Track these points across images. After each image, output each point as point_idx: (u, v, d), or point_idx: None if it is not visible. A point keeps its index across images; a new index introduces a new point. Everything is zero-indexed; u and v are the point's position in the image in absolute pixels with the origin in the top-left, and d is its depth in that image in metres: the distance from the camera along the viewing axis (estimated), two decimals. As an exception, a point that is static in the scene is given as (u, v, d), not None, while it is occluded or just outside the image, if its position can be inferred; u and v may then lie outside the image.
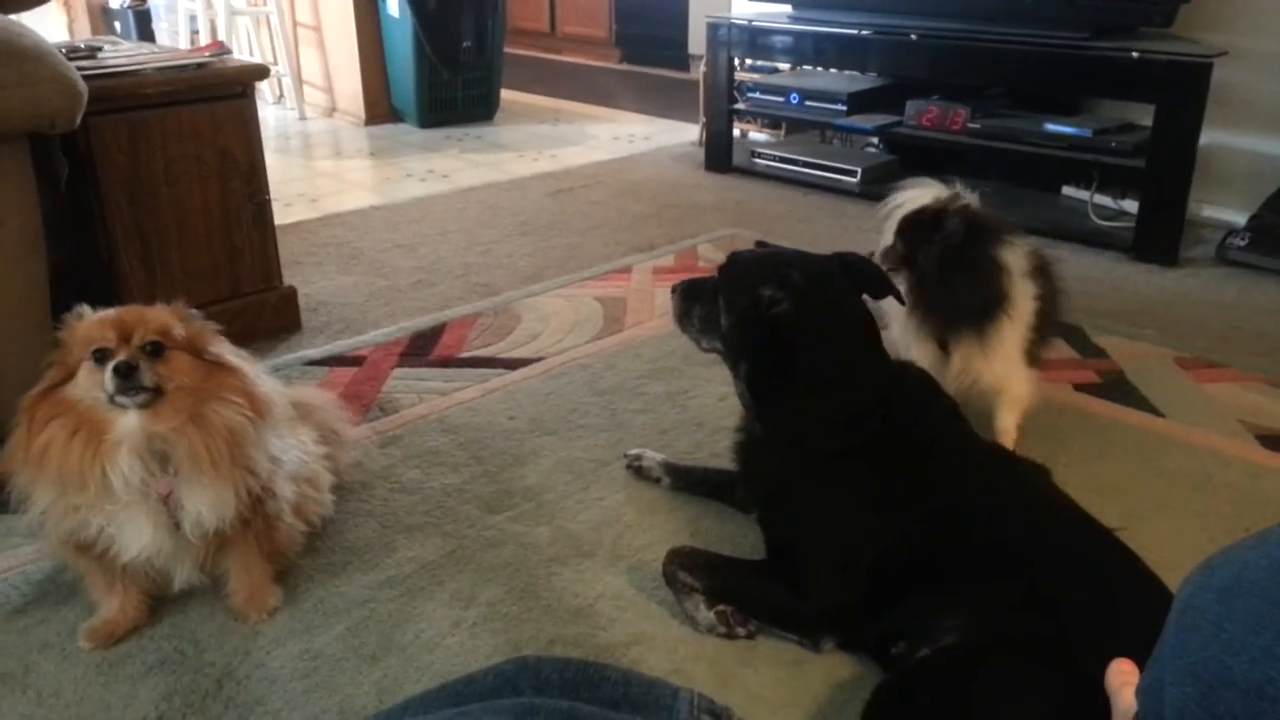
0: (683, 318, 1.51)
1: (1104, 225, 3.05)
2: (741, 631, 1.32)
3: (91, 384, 1.19)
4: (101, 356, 1.19)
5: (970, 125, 3.13)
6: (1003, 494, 1.30)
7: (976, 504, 1.27)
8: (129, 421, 1.20)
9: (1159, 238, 2.76)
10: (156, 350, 1.22)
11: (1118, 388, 2.02)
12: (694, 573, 1.35)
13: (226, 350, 1.32)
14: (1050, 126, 2.98)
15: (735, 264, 1.47)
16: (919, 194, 1.73)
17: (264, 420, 1.29)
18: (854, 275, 1.43)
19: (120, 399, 1.18)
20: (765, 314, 1.36)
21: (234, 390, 1.27)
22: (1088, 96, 3.20)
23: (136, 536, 1.22)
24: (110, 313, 1.24)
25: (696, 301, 1.49)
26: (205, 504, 1.23)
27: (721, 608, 1.33)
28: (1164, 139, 2.68)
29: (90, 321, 1.23)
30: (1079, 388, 2.02)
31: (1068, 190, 3.31)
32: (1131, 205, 2.99)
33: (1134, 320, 2.37)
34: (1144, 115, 2.84)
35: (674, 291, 1.54)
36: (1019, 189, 3.37)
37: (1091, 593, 1.12)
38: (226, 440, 1.23)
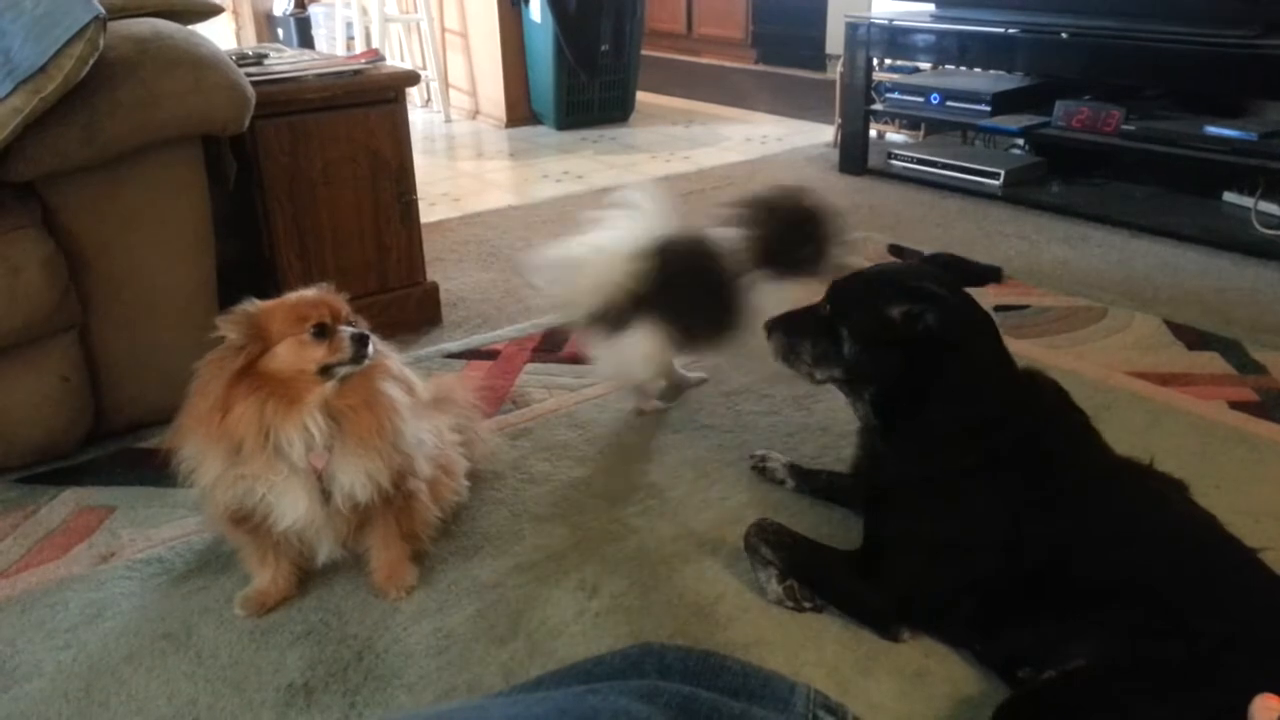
0: (789, 354, 1.42)
1: (1269, 234, 2.85)
2: (808, 605, 1.37)
3: (300, 357, 1.28)
4: (321, 331, 1.28)
5: (1124, 127, 2.99)
6: (1138, 511, 1.23)
7: (1109, 521, 1.21)
8: (321, 393, 1.29)
9: (1332, 248, 2.58)
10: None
11: (1278, 406, 1.90)
12: (777, 551, 1.39)
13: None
14: (1211, 129, 2.82)
15: (848, 290, 1.38)
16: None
17: (413, 400, 1.39)
18: (957, 274, 1.37)
19: (349, 367, 1.29)
20: (909, 332, 1.28)
21: (391, 372, 1.38)
22: (1254, 98, 3.00)
23: (293, 506, 1.31)
24: (309, 293, 1.34)
25: (804, 336, 1.40)
26: (357, 475, 1.32)
27: (790, 582, 1.38)
28: (1341, 142, 2.50)
29: (296, 301, 1.32)
30: (1235, 405, 1.91)
31: (1229, 196, 3.12)
32: (1301, 213, 2.80)
33: (1300, 335, 2.23)
34: (1318, 117, 2.66)
35: (770, 329, 1.44)
36: (1175, 194, 3.20)
37: (1233, 617, 1.07)
38: (389, 415, 1.33)
